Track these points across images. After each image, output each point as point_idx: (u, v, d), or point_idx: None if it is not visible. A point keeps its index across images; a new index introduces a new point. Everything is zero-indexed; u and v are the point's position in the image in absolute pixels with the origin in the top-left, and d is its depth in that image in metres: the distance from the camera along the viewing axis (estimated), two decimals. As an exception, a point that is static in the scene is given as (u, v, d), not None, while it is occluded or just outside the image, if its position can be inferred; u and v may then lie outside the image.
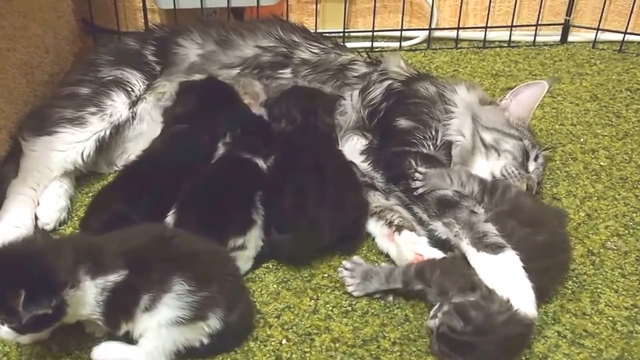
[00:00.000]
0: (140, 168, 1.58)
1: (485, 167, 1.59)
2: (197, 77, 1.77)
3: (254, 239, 1.45)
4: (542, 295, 1.36)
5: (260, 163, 1.57)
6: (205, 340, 1.23)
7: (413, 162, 1.54)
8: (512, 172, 1.58)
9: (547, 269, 1.38)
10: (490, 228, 1.37)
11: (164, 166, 1.56)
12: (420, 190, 1.49)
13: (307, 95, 1.71)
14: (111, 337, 1.25)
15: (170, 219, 1.42)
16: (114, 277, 1.16)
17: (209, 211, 1.42)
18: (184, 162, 1.55)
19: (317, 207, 1.44)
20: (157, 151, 1.61)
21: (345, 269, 1.43)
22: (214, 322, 1.21)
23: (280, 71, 1.79)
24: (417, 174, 1.50)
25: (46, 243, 1.19)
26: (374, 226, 1.55)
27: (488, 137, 1.63)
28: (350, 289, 1.41)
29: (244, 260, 1.43)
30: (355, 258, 1.46)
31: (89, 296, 1.15)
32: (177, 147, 1.60)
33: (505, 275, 1.30)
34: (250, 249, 1.45)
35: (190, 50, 1.82)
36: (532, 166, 1.63)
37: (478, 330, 1.20)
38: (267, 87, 1.78)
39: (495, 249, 1.33)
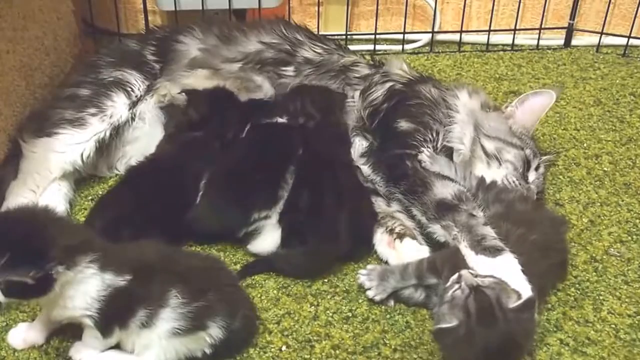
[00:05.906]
0: (149, 171, 1.59)
1: (487, 175, 1.58)
2: (200, 72, 1.76)
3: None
4: (541, 297, 1.34)
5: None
6: (209, 350, 1.22)
7: (413, 164, 1.53)
8: (513, 182, 1.58)
9: (544, 269, 1.37)
10: (489, 231, 1.37)
11: (173, 171, 1.57)
12: (426, 164, 1.51)
13: (321, 93, 1.71)
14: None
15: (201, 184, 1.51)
16: (120, 278, 1.16)
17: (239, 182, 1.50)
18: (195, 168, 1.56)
19: (336, 212, 1.45)
20: (168, 156, 1.62)
21: (362, 274, 1.42)
22: (215, 332, 1.21)
23: (283, 68, 1.78)
24: (426, 151, 1.53)
25: (55, 220, 1.18)
26: (374, 233, 1.54)
27: (490, 145, 1.62)
28: (370, 293, 1.39)
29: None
30: (370, 265, 1.45)
31: (91, 286, 1.14)
32: (192, 154, 1.61)
33: (504, 279, 1.28)
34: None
35: (191, 46, 1.81)
36: (532, 176, 1.63)
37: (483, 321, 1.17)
38: (270, 81, 1.76)
39: (494, 252, 1.33)
